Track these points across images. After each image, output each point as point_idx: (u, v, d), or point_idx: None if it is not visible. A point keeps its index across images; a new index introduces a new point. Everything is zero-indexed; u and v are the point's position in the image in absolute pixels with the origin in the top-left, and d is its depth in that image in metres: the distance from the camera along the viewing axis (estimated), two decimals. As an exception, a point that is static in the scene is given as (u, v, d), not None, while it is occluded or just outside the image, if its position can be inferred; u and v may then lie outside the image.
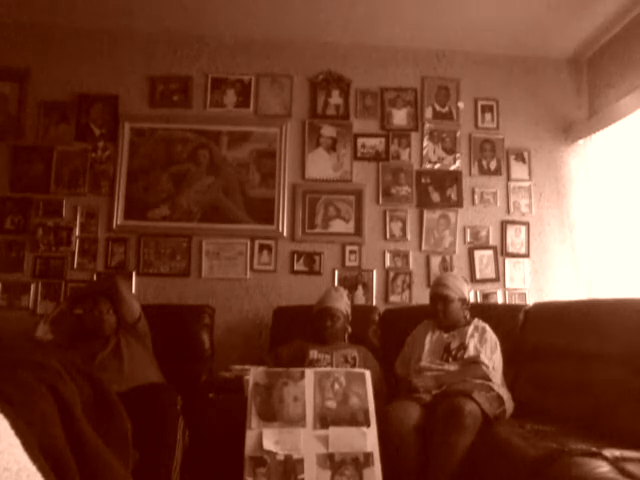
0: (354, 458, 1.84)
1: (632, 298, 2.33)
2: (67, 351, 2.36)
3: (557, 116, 3.54)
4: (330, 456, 1.84)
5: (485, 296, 3.35)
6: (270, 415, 1.92)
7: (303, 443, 1.86)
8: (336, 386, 2.00)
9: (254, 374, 2.04)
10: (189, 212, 3.29)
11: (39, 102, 3.31)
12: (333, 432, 1.89)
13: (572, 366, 2.33)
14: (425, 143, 3.46)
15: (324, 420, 1.92)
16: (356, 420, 1.93)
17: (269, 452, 1.83)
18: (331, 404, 1.96)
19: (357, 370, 2.15)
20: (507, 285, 3.37)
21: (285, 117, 3.42)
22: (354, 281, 3.29)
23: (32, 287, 3.14)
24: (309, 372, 2.05)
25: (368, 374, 2.06)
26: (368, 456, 1.85)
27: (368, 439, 1.88)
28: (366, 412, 1.94)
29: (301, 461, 1.83)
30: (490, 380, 2.32)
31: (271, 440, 1.85)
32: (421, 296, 3.19)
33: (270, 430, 1.88)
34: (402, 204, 3.39)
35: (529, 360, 2.60)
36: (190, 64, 3.43)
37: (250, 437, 1.86)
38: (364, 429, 1.90)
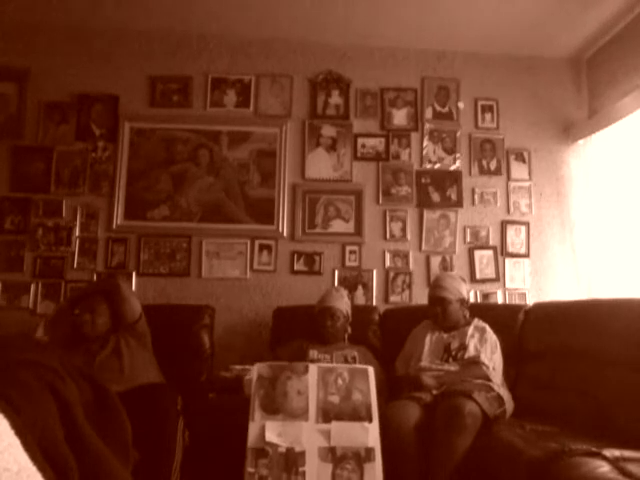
0: (355, 452, 1.85)
1: (632, 298, 2.32)
2: (67, 351, 2.36)
3: (557, 116, 3.55)
4: (332, 450, 1.85)
5: (485, 296, 3.35)
6: (273, 408, 1.93)
7: (305, 436, 1.87)
8: (339, 381, 2.02)
9: (259, 367, 2.05)
10: (189, 212, 3.29)
11: (39, 102, 3.31)
12: (335, 426, 1.90)
13: (572, 366, 2.33)
14: (425, 143, 3.46)
15: (326, 414, 1.93)
16: (358, 415, 1.93)
17: (271, 444, 1.84)
18: (334, 399, 1.97)
19: (360, 366, 2.16)
20: (507, 285, 3.37)
21: (285, 117, 3.42)
22: (354, 281, 3.29)
23: (32, 287, 3.14)
24: (313, 367, 2.06)
25: (371, 370, 2.07)
26: (369, 451, 1.85)
27: (370, 434, 1.89)
28: (368, 408, 1.95)
29: (303, 454, 1.83)
30: (490, 380, 2.32)
31: (273, 432, 1.86)
32: (421, 296, 3.18)
33: (273, 422, 1.89)
34: (402, 204, 3.39)
35: (529, 360, 2.60)
36: (190, 64, 3.43)
37: (253, 429, 1.87)
38: (366, 424, 1.91)
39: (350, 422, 1.91)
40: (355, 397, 1.98)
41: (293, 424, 1.89)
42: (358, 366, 2.18)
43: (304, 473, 1.80)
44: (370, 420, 1.92)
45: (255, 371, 2.03)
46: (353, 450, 1.85)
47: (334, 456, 1.84)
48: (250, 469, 1.80)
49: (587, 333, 2.30)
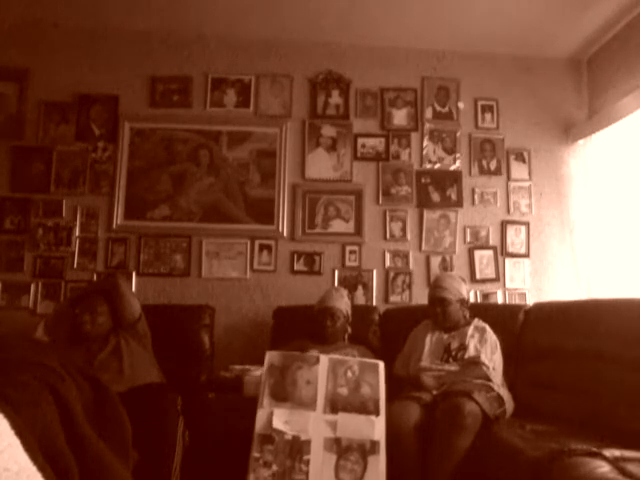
0: (360, 444, 1.86)
1: (632, 298, 2.32)
2: (67, 351, 2.36)
3: (557, 116, 3.55)
4: (337, 440, 1.87)
5: (485, 296, 3.35)
6: (282, 396, 1.96)
7: (312, 425, 1.89)
8: (349, 374, 2.03)
9: (270, 355, 2.07)
10: (189, 212, 3.29)
11: (39, 102, 3.31)
12: (342, 418, 1.92)
13: (572, 366, 2.33)
14: (425, 143, 3.46)
15: (334, 405, 1.95)
16: (366, 408, 1.95)
17: (278, 431, 1.87)
18: (342, 391, 1.99)
19: (371, 360, 2.17)
20: (507, 285, 3.37)
21: (285, 117, 3.42)
22: (354, 281, 3.29)
23: (32, 287, 3.14)
24: (324, 358, 2.08)
25: (382, 365, 2.08)
26: (374, 444, 1.87)
27: (376, 428, 1.90)
28: (376, 402, 1.97)
29: (308, 442, 1.86)
30: (490, 380, 2.32)
31: (281, 420, 1.89)
32: (421, 296, 3.18)
33: (281, 410, 1.92)
34: (402, 204, 3.39)
35: (529, 360, 2.59)
36: (190, 64, 3.43)
37: (261, 416, 1.90)
38: (373, 418, 1.92)
39: (357, 414, 1.93)
40: (364, 390, 2.00)
41: (300, 413, 1.91)
42: (369, 360, 2.19)
43: (308, 461, 1.82)
44: (377, 414, 1.94)
45: (266, 359, 2.05)
46: (358, 442, 1.87)
47: (339, 447, 1.86)
48: (256, 454, 1.83)
49: (587, 333, 2.30)
